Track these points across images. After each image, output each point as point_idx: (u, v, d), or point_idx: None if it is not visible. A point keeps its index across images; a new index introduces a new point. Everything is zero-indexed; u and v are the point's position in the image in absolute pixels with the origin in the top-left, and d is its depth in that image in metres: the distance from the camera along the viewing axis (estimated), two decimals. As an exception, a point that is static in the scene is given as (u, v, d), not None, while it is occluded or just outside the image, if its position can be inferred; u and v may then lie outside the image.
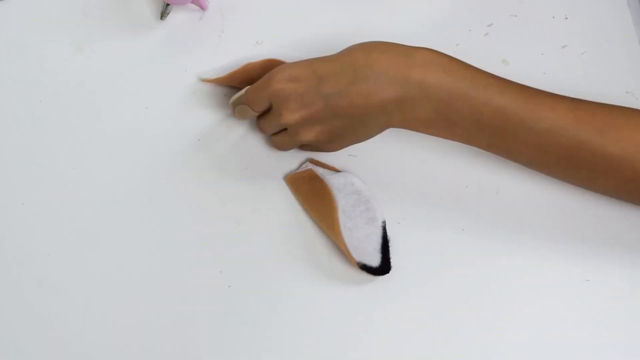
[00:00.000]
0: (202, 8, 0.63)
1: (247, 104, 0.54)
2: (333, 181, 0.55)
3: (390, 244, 0.53)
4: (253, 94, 0.53)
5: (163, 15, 0.62)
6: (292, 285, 0.54)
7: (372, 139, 0.54)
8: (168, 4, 0.62)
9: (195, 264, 0.55)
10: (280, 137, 0.55)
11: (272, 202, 0.56)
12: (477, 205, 0.54)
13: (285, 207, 0.56)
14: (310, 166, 0.56)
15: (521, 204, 0.56)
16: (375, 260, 0.52)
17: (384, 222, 0.54)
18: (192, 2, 0.62)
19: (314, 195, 0.55)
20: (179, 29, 0.63)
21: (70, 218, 0.56)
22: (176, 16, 0.63)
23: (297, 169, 0.57)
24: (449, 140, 0.53)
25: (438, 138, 0.52)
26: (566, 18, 0.62)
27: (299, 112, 0.50)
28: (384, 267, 0.52)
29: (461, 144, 0.52)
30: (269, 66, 0.55)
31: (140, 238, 0.55)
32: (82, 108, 0.60)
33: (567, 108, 0.48)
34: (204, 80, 0.59)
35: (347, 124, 0.51)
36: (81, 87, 0.60)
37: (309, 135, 0.51)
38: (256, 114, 0.55)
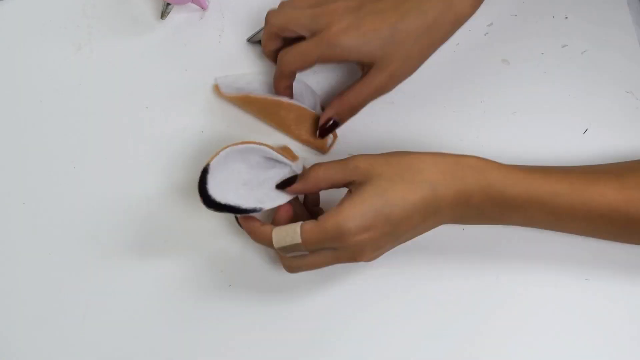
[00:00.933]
0: (203, 7, 0.63)
1: (303, 245, 0.47)
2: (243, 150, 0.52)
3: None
4: (315, 243, 0.47)
5: (163, 14, 0.62)
6: (292, 284, 0.54)
7: (372, 136, 0.54)
8: (168, 4, 0.62)
9: (196, 263, 0.54)
10: (316, 258, 0.49)
11: (272, 201, 0.56)
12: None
13: (286, 207, 0.56)
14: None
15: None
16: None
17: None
18: (193, 2, 0.62)
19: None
20: (179, 28, 0.63)
21: (70, 218, 0.56)
22: (176, 16, 0.63)
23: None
24: (448, 137, 0.53)
25: (440, 131, 0.52)
26: (566, 18, 0.62)
27: (374, 253, 0.49)
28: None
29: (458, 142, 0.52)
30: (285, 106, 0.55)
31: (139, 237, 0.55)
32: (82, 108, 0.60)
33: (615, 190, 0.48)
34: (221, 93, 0.58)
35: (402, 239, 0.50)
36: (81, 87, 0.60)
37: (369, 257, 0.49)
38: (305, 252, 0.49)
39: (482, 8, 0.62)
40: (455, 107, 0.58)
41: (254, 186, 0.51)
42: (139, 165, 0.58)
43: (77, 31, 0.63)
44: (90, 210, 0.56)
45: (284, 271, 0.53)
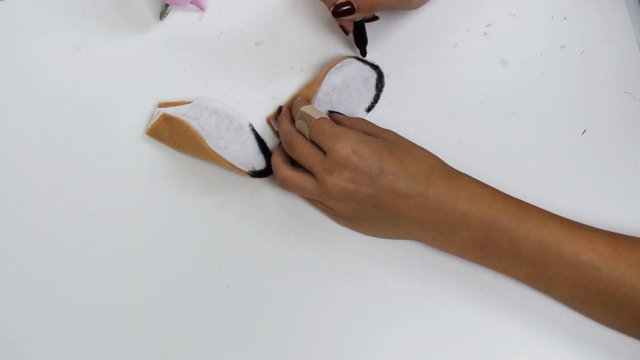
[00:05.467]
0: (202, 8, 0.63)
1: (309, 128, 0.53)
2: (189, 114, 0.57)
3: (265, 141, 0.57)
4: (320, 130, 0.52)
5: (162, 15, 0.62)
6: (290, 285, 0.54)
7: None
8: (167, 4, 0.62)
9: (194, 264, 0.55)
10: (304, 180, 0.52)
11: (271, 202, 0.56)
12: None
13: (284, 207, 0.56)
14: (162, 110, 0.57)
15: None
16: (260, 163, 0.56)
17: (251, 125, 0.57)
18: (192, 3, 0.62)
19: (177, 135, 0.56)
20: (178, 29, 0.63)
21: (69, 218, 0.56)
22: (176, 16, 0.63)
23: (151, 120, 0.58)
24: (446, 138, 0.53)
25: (441, 134, 0.52)
26: (565, 18, 0.62)
27: (346, 183, 0.50)
28: (270, 165, 0.55)
29: (456, 143, 0.52)
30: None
31: (139, 238, 0.55)
32: (82, 108, 0.60)
33: (606, 243, 0.48)
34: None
35: (378, 217, 0.51)
36: (80, 87, 0.60)
37: (339, 205, 0.51)
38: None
39: (481, 8, 0.62)
40: (454, 108, 0.58)
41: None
42: (139, 166, 0.58)
43: (77, 31, 0.63)
44: (89, 210, 0.56)
45: (283, 271, 0.53)
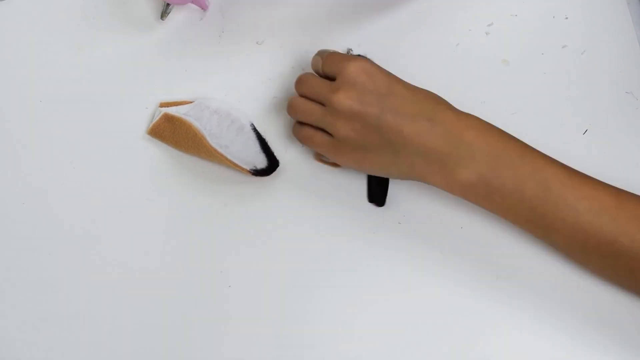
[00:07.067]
0: (203, 8, 0.63)
1: (322, 59, 0.53)
2: (190, 113, 0.57)
3: (267, 141, 0.57)
4: (332, 57, 0.53)
5: (163, 15, 0.62)
6: (292, 285, 0.54)
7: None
8: (168, 4, 0.62)
9: (196, 264, 0.55)
10: (311, 104, 0.52)
11: (272, 202, 0.56)
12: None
13: (286, 207, 0.56)
14: (163, 110, 0.57)
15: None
16: (262, 162, 0.56)
17: (252, 124, 0.57)
18: (193, 2, 0.62)
19: (178, 134, 0.56)
20: (179, 29, 0.63)
21: (70, 218, 0.56)
22: (176, 16, 0.63)
23: (153, 119, 0.58)
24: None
25: None
26: (566, 18, 0.62)
27: (352, 101, 0.49)
28: (272, 164, 0.56)
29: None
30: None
31: (140, 238, 0.55)
32: (82, 108, 0.60)
33: (609, 192, 0.48)
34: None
35: (381, 144, 0.50)
36: (81, 87, 0.60)
37: (344, 126, 0.50)
38: (314, 74, 0.54)
39: (482, 8, 0.62)
40: (455, 107, 0.58)
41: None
42: (140, 165, 0.58)
43: (77, 31, 0.63)
44: (89, 210, 0.56)
45: (284, 271, 0.54)
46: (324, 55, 0.54)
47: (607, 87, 0.59)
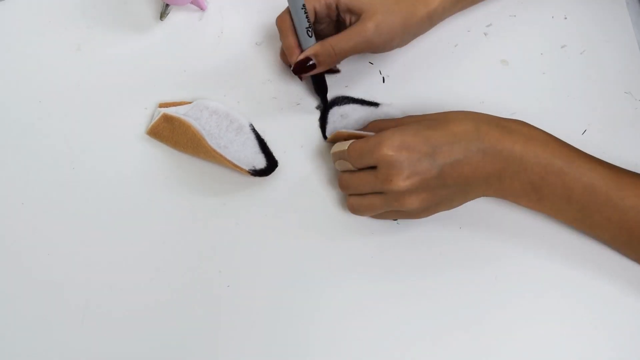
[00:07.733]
0: (202, 8, 0.63)
1: (348, 160, 0.52)
2: (189, 114, 0.57)
3: (266, 141, 0.57)
4: (358, 153, 0.51)
5: (163, 15, 0.62)
6: (291, 284, 0.54)
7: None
8: (168, 5, 0.62)
9: (195, 264, 0.55)
10: (370, 199, 0.52)
11: (271, 202, 0.56)
12: (475, 203, 0.54)
13: (285, 207, 0.56)
14: (162, 111, 0.57)
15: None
16: (261, 162, 0.56)
17: (251, 125, 0.58)
18: (192, 3, 0.62)
19: (177, 135, 0.56)
20: (178, 29, 0.63)
21: (70, 218, 0.56)
22: (176, 16, 0.63)
23: (152, 119, 0.58)
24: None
25: None
26: (565, 18, 0.62)
27: (410, 179, 0.49)
28: (270, 164, 0.56)
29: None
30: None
31: (139, 238, 0.55)
32: (82, 108, 0.60)
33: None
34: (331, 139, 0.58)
35: (451, 193, 0.51)
36: (81, 87, 0.60)
37: (414, 202, 0.50)
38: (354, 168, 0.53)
39: (482, 8, 0.62)
40: (454, 108, 0.58)
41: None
42: (139, 166, 0.58)
43: (77, 31, 0.63)
44: (89, 210, 0.56)
45: (283, 271, 0.54)
46: (343, 155, 0.52)
47: (606, 87, 0.59)
